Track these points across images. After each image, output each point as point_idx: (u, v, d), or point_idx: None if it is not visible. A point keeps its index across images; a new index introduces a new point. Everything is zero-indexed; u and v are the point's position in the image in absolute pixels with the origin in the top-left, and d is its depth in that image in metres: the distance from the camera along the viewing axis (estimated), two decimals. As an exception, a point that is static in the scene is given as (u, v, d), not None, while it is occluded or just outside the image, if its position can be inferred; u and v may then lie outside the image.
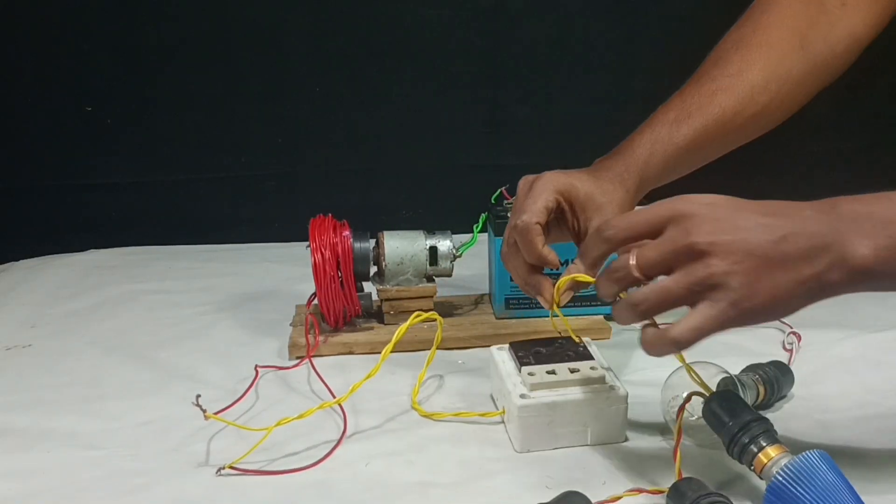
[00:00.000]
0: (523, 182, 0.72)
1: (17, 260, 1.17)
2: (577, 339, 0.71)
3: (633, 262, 0.55)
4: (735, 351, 0.79)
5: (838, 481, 0.51)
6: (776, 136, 1.27)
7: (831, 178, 1.28)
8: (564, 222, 0.71)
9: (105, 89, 1.16)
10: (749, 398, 0.67)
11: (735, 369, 0.70)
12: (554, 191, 0.69)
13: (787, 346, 0.81)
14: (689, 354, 0.63)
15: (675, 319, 0.55)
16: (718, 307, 0.52)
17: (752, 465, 0.55)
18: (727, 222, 0.54)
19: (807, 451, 0.52)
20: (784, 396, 0.72)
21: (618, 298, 0.58)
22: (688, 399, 0.61)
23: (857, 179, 1.36)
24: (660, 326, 0.57)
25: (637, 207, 0.73)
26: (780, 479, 0.52)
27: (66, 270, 1.12)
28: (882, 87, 1.27)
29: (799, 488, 0.51)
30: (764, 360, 0.73)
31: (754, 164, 1.29)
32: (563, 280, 0.66)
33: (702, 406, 0.60)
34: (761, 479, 0.55)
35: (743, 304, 0.52)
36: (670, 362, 0.67)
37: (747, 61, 0.78)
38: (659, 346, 0.56)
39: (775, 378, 0.70)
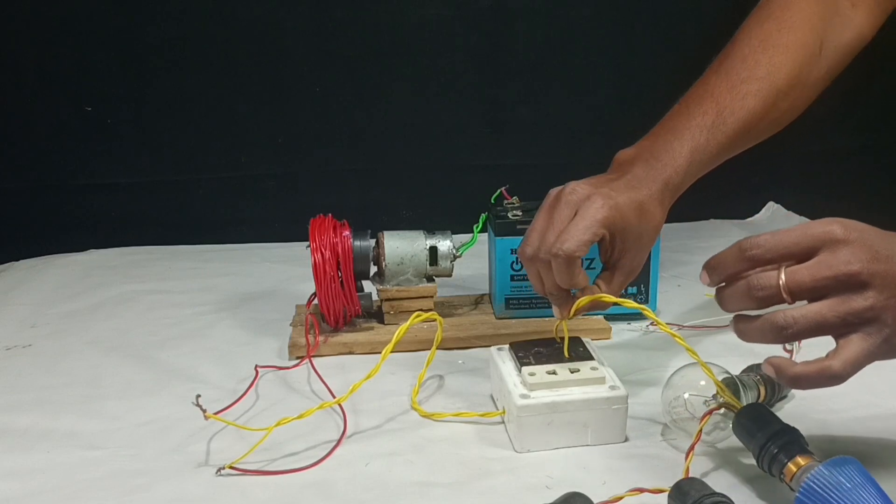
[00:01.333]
0: (570, 194, 0.68)
1: (17, 260, 1.17)
2: (566, 352, 0.71)
3: (782, 281, 0.54)
4: (735, 351, 0.79)
5: (868, 484, 0.51)
6: (776, 136, 1.27)
7: (831, 178, 1.28)
8: (601, 246, 0.70)
9: (105, 89, 1.16)
10: (749, 398, 0.67)
11: (736, 369, 0.70)
12: (603, 224, 0.66)
13: (788, 347, 0.81)
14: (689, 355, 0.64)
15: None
16: (871, 341, 0.52)
17: (782, 474, 0.55)
18: (882, 252, 0.53)
19: (835, 458, 0.53)
20: (784, 397, 0.72)
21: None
22: (718, 406, 0.62)
23: (858, 179, 1.38)
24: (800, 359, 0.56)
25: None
26: (811, 484, 0.52)
27: (66, 270, 1.12)
28: (882, 87, 1.27)
29: (831, 493, 0.51)
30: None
31: (754, 164, 1.29)
32: (587, 299, 0.67)
33: (732, 421, 0.61)
34: (792, 489, 0.55)
35: (892, 339, 0.52)
36: (670, 362, 0.67)
37: (775, 65, 0.77)
38: (818, 380, 0.54)
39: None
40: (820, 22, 0.80)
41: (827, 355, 0.54)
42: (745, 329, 0.57)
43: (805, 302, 0.54)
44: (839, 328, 0.53)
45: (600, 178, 0.71)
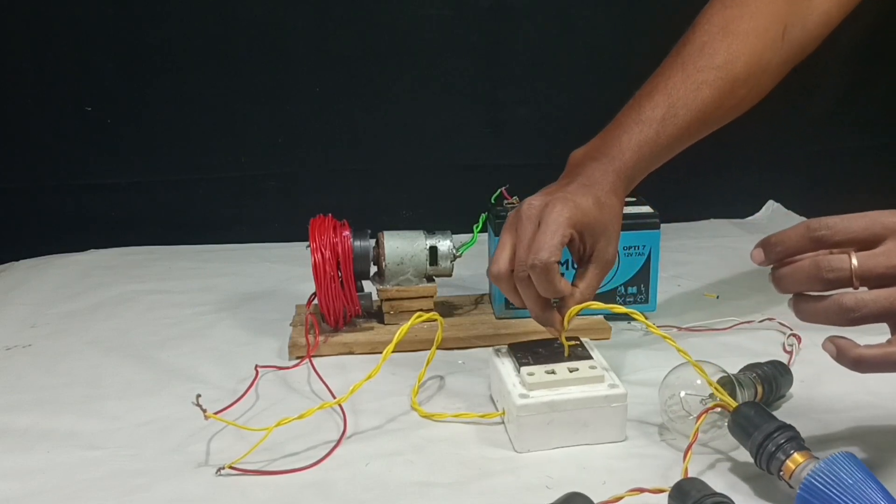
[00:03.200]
0: (528, 208, 0.70)
1: (17, 260, 1.17)
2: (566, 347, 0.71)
3: (854, 265, 0.53)
4: (735, 351, 0.79)
5: (868, 479, 0.52)
6: (776, 136, 1.27)
7: (831, 178, 1.29)
8: (571, 247, 0.71)
9: (105, 89, 1.16)
10: (747, 397, 0.67)
11: (734, 369, 0.70)
12: (568, 225, 0.67)
13: (788, 348, 0.81)
14: (690, 354, 0.64)
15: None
16: None
17: (780, 472, 0.56)
18: None
19: (834, 454, 0.53)
20: (783, 396, 0.72)
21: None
22: (713, 406, 0.62)
23: (858, 179, 1.38)
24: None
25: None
26: (812, 480, 0.53)
27: (66, 270, 1.12)
28: (882, 87, 1.28)
29: (831, 488, 0.52)
30: (763, 361, 0.73)
31: (754, 164, 1.29)
32: (577, 308, 0.68)
33: (727, 420, 0.61)
34: (791, 486, 0.55)
35: None
36: (669, 362, 0.67)
37: (733, 52, 0.77)
38: (884, 364, 0.54)
39: (773, 377, 0.70)
40: (786, 6, 0.80)
41: (888, 341, 0.54)
42: (809, 309, 0.56)
43: (865, 289, 0.54)
44: None
45: (553, 186, 0.73)
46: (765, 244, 0.57)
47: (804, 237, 0.55)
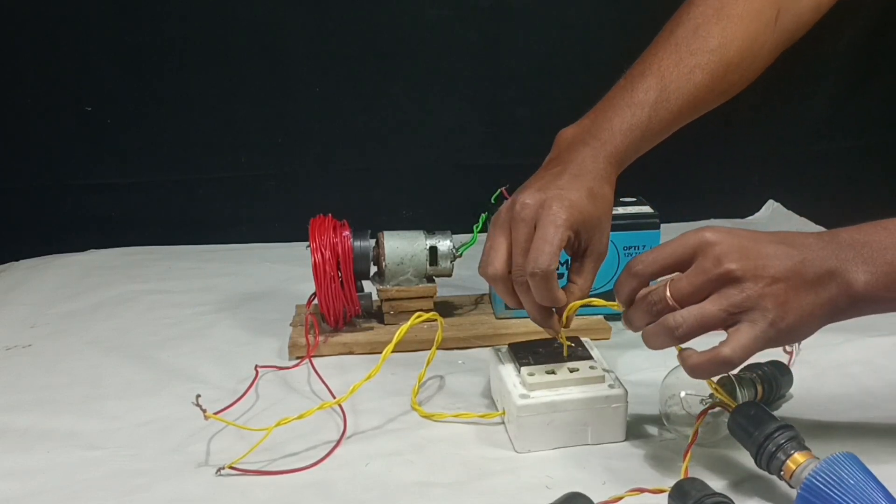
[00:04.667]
0: (522, 208, 0.67)
1: (17, 260, 1.17)
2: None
3: (668, 293, 0.58)
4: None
5: (869, 479, 0.52)
6: (776, 136, 1.27)
7: (831, 178, 1.29)
8: (566, 243, 0.69)
9: (105, 89, 1.16)
10: (747, 396, 0.67)
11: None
12: (566, 228, 0.66)
13: (788, 349, 0.81)
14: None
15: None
16: (759, 327, 0.56)
17: (781, 472, 0.56)
18: (752, 250, 0.57)
19: (835, 454, 0.53)
20: (783, 396, 0.72)
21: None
22: (712, 406, 0.62)
23: (858, 179, 1.38)
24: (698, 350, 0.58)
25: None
26: (813, 481, 0.53)
27: (66, 270, 1.12)
28: (882, 87, 1.27)
29: (832, 489, 0.52)
30: (763, 361, 0.73)
31: (754, 164, 1.29)
32: (575, 306, 0.68)
33: (727, 421, 0.61)
34: (791, 486, 0.55)
35: (779, 323, 0.56)
36: (669, 362, 0.67)
37: (727, 36, 0.76)
38: (711, 366, 0.57)
39: (773, 377, 0.70)
40: None
41: (719, 344, 0.57)
42: (647, 335, 0.60)
43: None
44: (725, 320, 0.56)
45: (544, 174, 0.71)
46: (615, 292, 0.62)
47: (629, 276, 0.60)
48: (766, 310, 0.55)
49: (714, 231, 0.58)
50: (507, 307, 0.89)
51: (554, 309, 0.70)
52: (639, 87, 0.75)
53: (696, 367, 0.58)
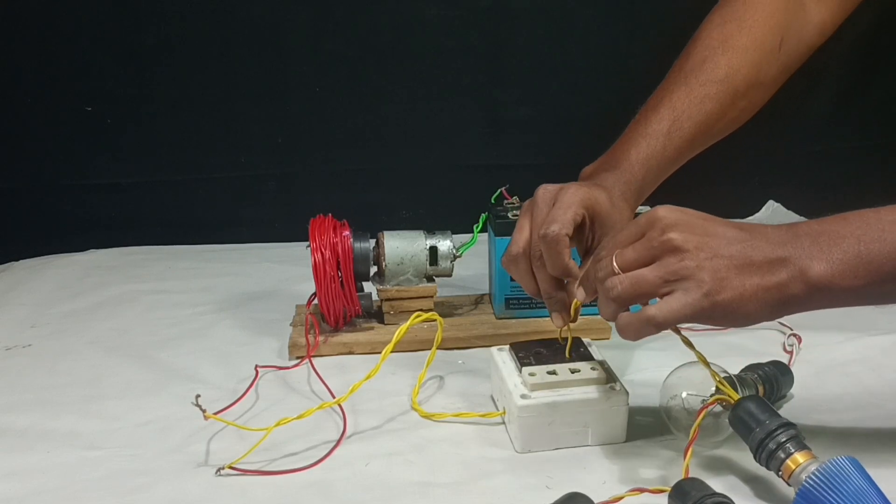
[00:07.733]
0: (543, 192, 0.71)
1: (17, 260, 1.17)
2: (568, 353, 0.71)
3: (614, 263, 0.59)
4: (735, 351, 0.79)
5: (868, 487, 0.51)
6: (776, 136, 1.27)
7: (831, 178, 1.28)
8: (580, 235, 0.72)
9: (105, 89, 1.16)
10: (748, 396, 0.67)
11: (735, 369, 0.70)
12: (581, 204, 0.69)
13: (788, 348, 0.81)
14: (691, 355, 0.63)
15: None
16: (692, 296, 0.56)
17: (780, 470, 0.56)
18: (699, 227, 0.58)
19: (836, 457, 0.53)
20: (784, 396, 0.72)
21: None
22: (714, 400, 0.62)
23: (858, 179, 1.37)
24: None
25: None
26: (810, 484, 0.52)
27: (66, 270, 1.12)
28: (882, 87, 1.27)
29: (829, 494, 0.51)
30: (764, 361, 0.73)
31: (754, 164, 1.29)
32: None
33: (728, 413, 0.61)
34: (789, 485, 0.55)
35: (714, 296, 0.56)
36: (670, 362, 0.67)
37: (734, 67, 0.80)
38: (636, 325, 0.58)
39: (774, 377, 0.70)
40: (783, 18, 0.83)
41: (649, 305, 0.58)
42: (601, 309, 0.61)
43: None
44: (660, 287, 0.57)
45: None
46: (581, 282, 0.65)
47: (592, 265, 0.62)
48: (703, 281, 0.56)
49: (667, 208, 0.59)
50: (507, 307, 0.89)
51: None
52: (652, 119, 0.78)
53: (625, 327, 0.59)
